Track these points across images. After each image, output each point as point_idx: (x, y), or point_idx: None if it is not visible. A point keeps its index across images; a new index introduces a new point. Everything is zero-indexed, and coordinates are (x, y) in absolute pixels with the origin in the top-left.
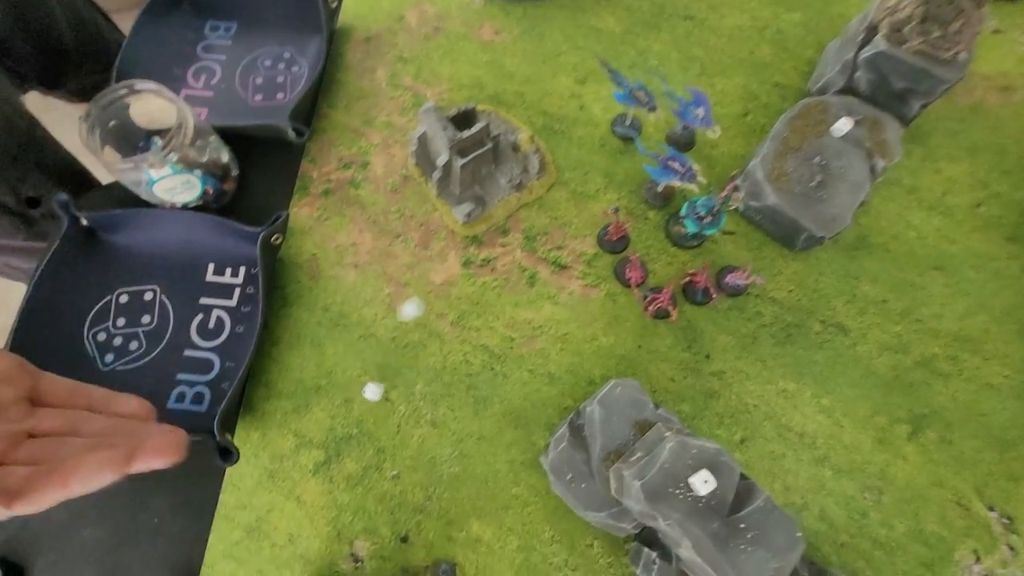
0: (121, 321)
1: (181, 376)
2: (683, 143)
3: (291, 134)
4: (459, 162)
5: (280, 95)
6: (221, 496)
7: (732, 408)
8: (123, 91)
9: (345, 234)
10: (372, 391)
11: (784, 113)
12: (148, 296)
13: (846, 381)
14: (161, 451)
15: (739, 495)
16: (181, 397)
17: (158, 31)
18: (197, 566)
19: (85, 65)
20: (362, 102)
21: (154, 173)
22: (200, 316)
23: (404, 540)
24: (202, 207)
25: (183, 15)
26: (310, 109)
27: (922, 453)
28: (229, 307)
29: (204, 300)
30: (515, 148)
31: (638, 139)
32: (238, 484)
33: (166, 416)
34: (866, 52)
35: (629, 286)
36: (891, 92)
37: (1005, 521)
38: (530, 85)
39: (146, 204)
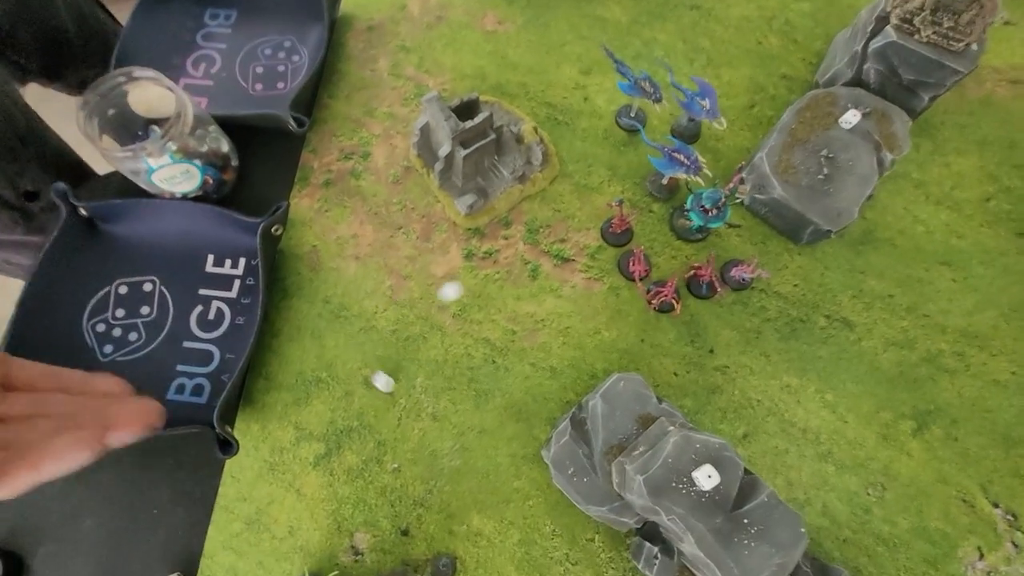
0: (120, 312)
1: (181, 367)
2: (689, 135)
3: (292, 124)
4: (461, 153)
5: (281, 84)
6: (221, 488)
7: (735, 403)
8: (121, 79)
9: (346, 225)
10: (383, 381)
11: (791, 105)
12: (147, 287)
13: (851, 376)
14: (133, 422)
15: (742, 490)
16: (181, 389)
17: (157, 19)
18: (197, 557)
19: (86, 57)
20: (363, 92)
21: (153, 162)
22: (200, 307)
23: (404, 533)
24: (202, 197)
25: (182, 3)
26: (311, 99)
27: (927, 449)
28: (229, 298)
29: (204, 291)
30: (518, 139)
31: (643, 131)
32: (238, 476)
33: (165, 407)
34: (876, 43)
35: (633, 280)
36: (900, 84)
37: (1010, 518)
38: (534, 76)
39: (145, 194)
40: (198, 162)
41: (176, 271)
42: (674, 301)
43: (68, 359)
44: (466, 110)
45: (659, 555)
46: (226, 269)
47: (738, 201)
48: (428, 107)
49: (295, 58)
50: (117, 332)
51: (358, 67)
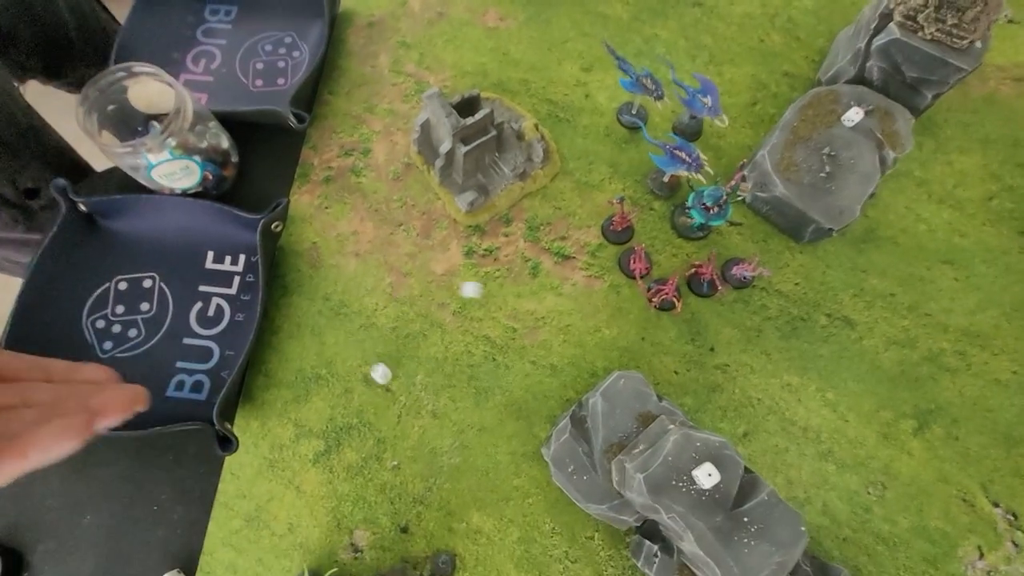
0: (120, 308)
1: (180, 364)
2: (690, 132)
3: (292, 120)
4: (462, 150)
5: (281, 80)
6: (220, 485)
7: (736, 402)
8: (121, 74)
9: (346, 222)
10: (380, 372)
11: (793, 102)
12: (147, 283)
13: (851, 375)
14: (119, 407)
15: (743, 489)
16: (180, 385)
17: (157, 14)
18: (196, 554)
19: (86, 56)
20: (364, 88)
21: (152, 158)
22: (199, 304)
23: (404, 531)
24: (201, 193)
25: None
26: (311, 95)
27: (927, 448)
28: (229, 295)
29: (203, 288)
30: (519, 136)
31: (644, 128)
32: (237, 473)
33: (165, 404)
34: (879, 40)
35: (633, 277)
36: (903, 82)
37: (1010, 517)
38: (535, 72)
39: (145, 190)
40: (198, 158)
41: (176, 267)
42: (675, 299)
43: (68, 355)
44: (467, 107)
45: (659, 553)
46: (226, 266)
47: (739, 199)
48: (429, 103)
49: (295, 54)
50: (117, 328)
51: (359, 63)
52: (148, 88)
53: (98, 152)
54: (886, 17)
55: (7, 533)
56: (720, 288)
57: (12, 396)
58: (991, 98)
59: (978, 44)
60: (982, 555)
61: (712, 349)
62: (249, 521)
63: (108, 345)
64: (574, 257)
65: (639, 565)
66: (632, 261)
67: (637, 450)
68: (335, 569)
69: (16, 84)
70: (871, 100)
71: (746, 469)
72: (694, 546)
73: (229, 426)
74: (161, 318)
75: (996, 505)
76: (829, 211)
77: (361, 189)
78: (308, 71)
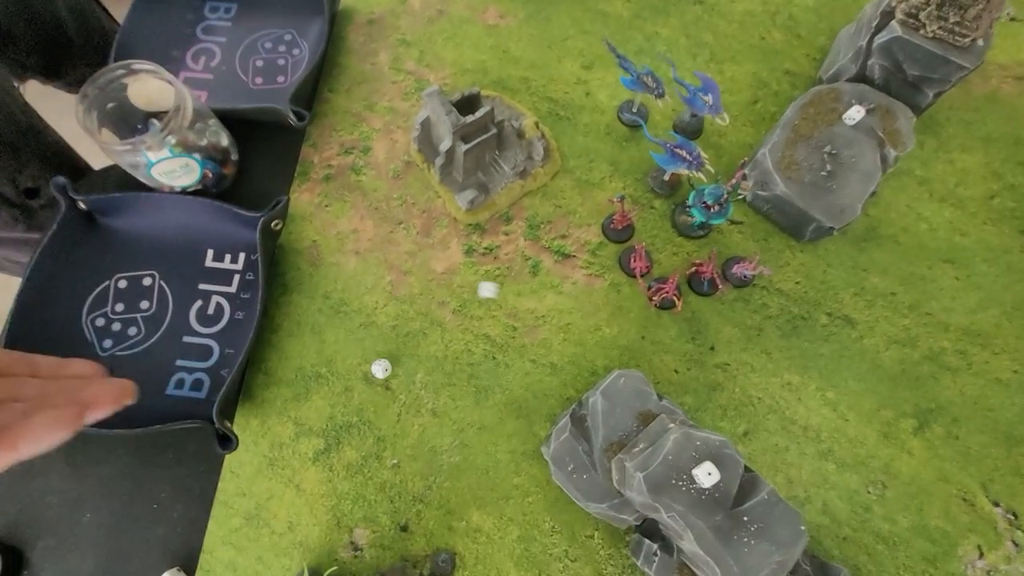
0: (120, 306)
1: (180, 362)
2: (691, 131)
3: (292, 118)
4: (462, 148)
5: (281, 78)
6: (220, 483)
7: (736, 400)
8: (120, 71)
9: (346, 220)
10: (381, 367)
11: (795, 101)
12: (147, 281)
13: (852, 374)
14: (107, 400)
15: (743, 488)
16: (180, 383)
17: (157, 12)
18: (196, 552)
19: (85, 55)
20: (364, 86)
21: (152, 156)
22: (199, 302)
23: (404, 529)
24: (201, 191)
25: None
26: (311, 93)
27: (928, 448)
28: (228, 293)
29: (203, 286)
30: (519, 134)
31: (645, 126)
32: (237, 471)
33: (165, 402)
34: (881, 38)
35: (634, 276)
36: (905, 80)
37: (1010, 517)
38: (535, 70)
39: (145, 188)
40: (198, 156)
41: (175, 265)
42: (675, 298)
43: (67, 353)
44: (467, 105)
45: (658, 552)
46: (226, 264)
47: (740, 197)
48: (429, 101)
49: (295, 52)
50: (116, 327)
51: (358, 61)
52: (148, 86)
53: (97, 151)
54: (888, 15)
55: (7, 531)
56: (721, 287)
57: (1, 391)
58: (993, 96)
59: (980, 42)
60: (982, 554)
61: (712, 348)
62: (249, 519)
63: (108, 343)
64: (574, 256)
65: (639, 564)
66: (632, 260)
67: (637, 449)
68: (335, 567)
69: (16, 84)
70: (872, 98)
71: (746, 468)
72: (694, 545)
73: (229, 424)
74: (161, 316)
75: (996, 504)
76: (830, 210)
77: (361, 187)
78: (308, 69)
